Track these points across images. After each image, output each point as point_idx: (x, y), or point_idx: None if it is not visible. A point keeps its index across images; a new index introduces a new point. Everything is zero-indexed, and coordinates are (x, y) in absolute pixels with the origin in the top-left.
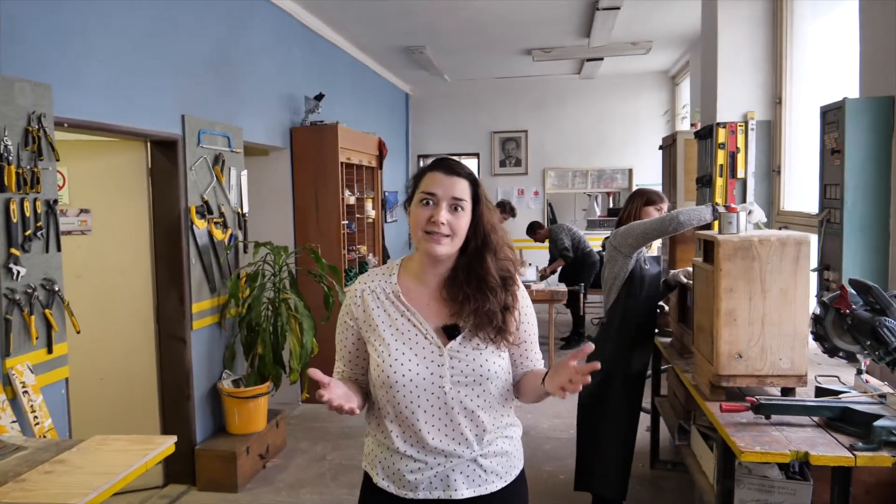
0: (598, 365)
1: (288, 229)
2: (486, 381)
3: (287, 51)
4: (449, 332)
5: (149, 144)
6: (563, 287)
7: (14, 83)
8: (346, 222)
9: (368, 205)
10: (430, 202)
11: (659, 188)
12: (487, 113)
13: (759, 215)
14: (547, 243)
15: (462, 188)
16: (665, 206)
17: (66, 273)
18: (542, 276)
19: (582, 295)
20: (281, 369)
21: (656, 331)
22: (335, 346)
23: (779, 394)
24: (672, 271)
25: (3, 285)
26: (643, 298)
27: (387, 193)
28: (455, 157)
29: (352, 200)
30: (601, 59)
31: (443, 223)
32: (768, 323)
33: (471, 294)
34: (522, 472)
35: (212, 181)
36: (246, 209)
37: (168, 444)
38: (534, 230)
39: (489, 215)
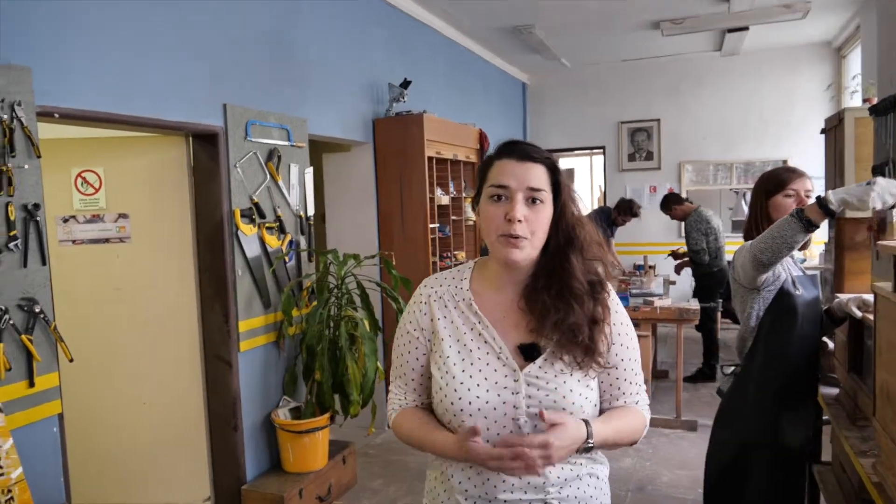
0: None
1: (371, 234)
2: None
3: (366, 32)
4: (527, 353)
5: (191, 139)
6: (694, 304)
7: None
8: (438, 225)
9: (468, 205)
10: (503, 197)
11: (821, 182)
12: (614, 101)
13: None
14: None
15: (539, 176)
16: (802, 183)
17: (104, 285)
18: (674, 254)
19: (719, 314)
20: (346, 399)
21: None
22: (392, 366)
23: None
24: (839, 297)
25: None
26: (796, 338)
27: None
28: (575, 149)
29: (445, 200)
30: (746, 28)
31: (520, 221)
32: None
33: (551, 303)
34: None
35: (264, 180)
36: (311, 212)
37: None
38: (668, 205)
39: (573, 206)
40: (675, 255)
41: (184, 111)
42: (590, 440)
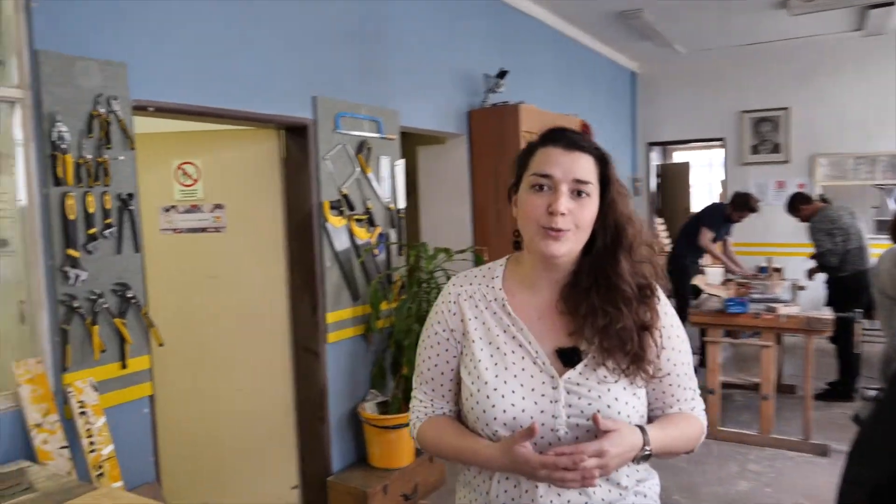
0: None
1: (466, 228)
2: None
3: (462, 23)
4: (566, 358)
5: (283, 132)
6: (826, 313)
7: (74, 62)
8: None
9: None
10: (546, 187)
11: None
12: (735, 89)
13: None
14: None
15: (586, 167)
16: None
17: (201, 273)
18: (811, 268)
19: (856, 326)
20: None
21: None
22: (416, 371)
23: None
24: None
25: (59, 291)
26: None
27: None
28: (691, 141)
29: None
30: (892, 3)
31: (563, 214)
32: None
33: (598, 306)
34: None
35: (354, 172)
36: (401, 204)
37: None
38: (796, 205)
39: (622, 202)
40: (812, 269)
41: (274, 104)
42: (647, 447)
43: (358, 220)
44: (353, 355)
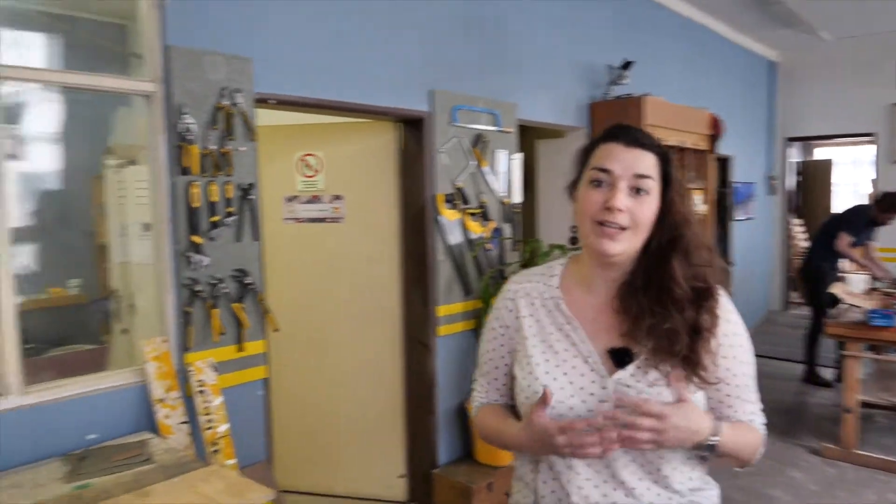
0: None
1: None
2: None
3: (586, 13)
4: (618, 358)
5: (399, 125)
6: None
7: (202, 57)
8: None
9: (696, 197)
10: (604, 182)
11: None
12: (888, 79)
13: None
14: None
15: (648, 164)
16: None
17: (319, 262)
18: None
19: None
20: None
21: None
22: (477, 364)
23: None
24: None
25: (183, 275)
26: None
27: (738, 185)
28: (836, 137)
29: None
30: None
31: (620, 210)
32: None
33: (647, 306)
34: None
35: (469, 166)
36: (517, 199)
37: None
38: None
39: (682, 204)
40: None
41: (392, 97)
42: (714, 437)
43: (472, 214)
44: (462, 350)
